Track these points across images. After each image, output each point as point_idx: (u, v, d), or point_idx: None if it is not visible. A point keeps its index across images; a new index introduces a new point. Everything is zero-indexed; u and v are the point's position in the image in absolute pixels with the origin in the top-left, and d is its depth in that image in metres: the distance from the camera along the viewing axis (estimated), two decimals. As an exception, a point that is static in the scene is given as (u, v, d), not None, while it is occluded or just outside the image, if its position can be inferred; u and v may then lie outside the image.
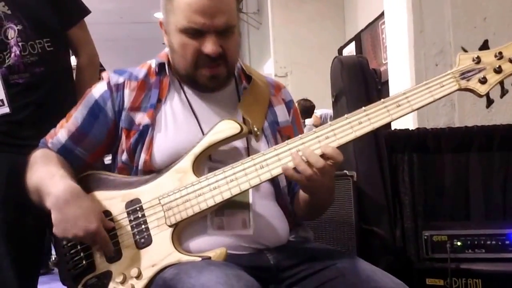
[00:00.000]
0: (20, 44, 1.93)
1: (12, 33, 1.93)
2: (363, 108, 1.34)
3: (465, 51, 1.38)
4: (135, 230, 1.38)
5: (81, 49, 2.12)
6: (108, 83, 1.49)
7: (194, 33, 1.38)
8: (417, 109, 1.34)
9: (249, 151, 1.45)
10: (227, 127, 1.39)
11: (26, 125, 1.93)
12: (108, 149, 1.52)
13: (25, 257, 1.95)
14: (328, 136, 1.34)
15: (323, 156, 1.30)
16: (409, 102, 1.34)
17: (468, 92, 1.37)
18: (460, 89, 1.35)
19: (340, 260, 1.38)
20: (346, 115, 1.35)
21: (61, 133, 1.52)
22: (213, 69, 1.42)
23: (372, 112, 1.34)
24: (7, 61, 1.92)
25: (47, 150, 1.53)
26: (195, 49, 1.39)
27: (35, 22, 1.95)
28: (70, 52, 2.16)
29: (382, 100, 1.35)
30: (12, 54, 1.92)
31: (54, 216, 1.34)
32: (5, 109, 1.93)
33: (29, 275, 2.00)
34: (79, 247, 1.41)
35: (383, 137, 2.30)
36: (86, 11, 2.12)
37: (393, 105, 1.34)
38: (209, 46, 1.38)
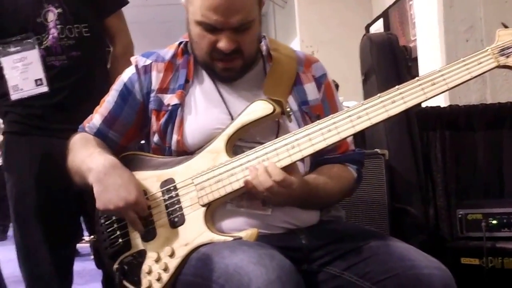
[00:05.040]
0: (58, 26, 1.95)
1: (51, 16, 1.94)
2: (397, 86, 1.31)
3: (506, 26, 1.32)
4: (169, 209, 1.40)
5: (117, 38, 2.13)
6: (136, 66, 1.50)
7: (209, 28, 1.37)
8: (453, 87, 1.30)
9: (279, 131, 1.43)
10: (260, 107, 1.38)
11: (61, 109, 1.95)
12: (140, 132, 1.54)
13: (60, 241, 1.99)
14: (360, 116, 1.31)
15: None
16: (445, 80, 1.29)
17: (506, 69, 1.32)
18: (498, 66, 1.30)
19: (373, 239, 1.37)
20: (379, 94, 1.31)
21: (95, 117, 1.55)
22: (228, 62, 1.42)
23: (406, 91, 1.30)
24: (44, 42, 1.94)
25: (85, 133, 1.56)
26: (210, 42, 1.39)
27: (75, 7, 1.97)
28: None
29: (417, 78, 1.31)
30: (50, 36, 1.94)
31: (95, 189, 1.36)
32: (44, 88, 1.95)
33: (64, 259, 2.04)
34: (115, 226, 1.44)
35: (414, 114, 2.26)
36: (124, 2, 2.13)
37: (428, 83, 1.29)
38: (223, 43, 1.37)
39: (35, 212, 1.94)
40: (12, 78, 1.95)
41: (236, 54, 1.40)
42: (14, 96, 1.96)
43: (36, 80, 1.94)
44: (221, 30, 1.36)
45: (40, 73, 1.94)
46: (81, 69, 1.98)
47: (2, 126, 2.39)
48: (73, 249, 2.23)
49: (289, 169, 1.34)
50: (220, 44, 1.37)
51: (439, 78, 1.30)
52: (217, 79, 1.47)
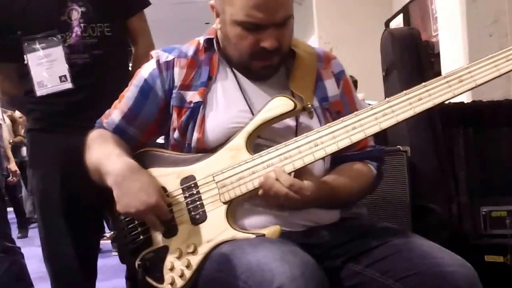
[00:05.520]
0: (81, 25, 1.96)
1: (75, 14, 1.96)
2: (423, 83, 1.29)
3: None
4: (190, 206, 1.40)
5: (139, 39, 2.14)
6: (157, 62, 1.49)
7: (252, 27, 1.36)
8: (481, 84, 1.27)
9: (298, 128, 1.43)
10: (280, 104, 1.37)
11: (83, 107, 1.95)
12: (160, 128, 1.53)
13: (84, 237, 2.00)
14: (386, 113, 1.29)
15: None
16: (472, 77, 1.26)
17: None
18: None
19: (395, 236, 1.36)
20: (404, 91, 1.29)
21: (114, 113, 1.54)
22: (267, 60, 1.41)
23: (433, 88, 1.28)
24: (68, 40, 1.96)
25: (103, 130, 1.55)
26: (251, 42, 1.37)
27: (98, 7, 1.98)
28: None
29: (444, 75, 1.29)
30: (73, 34, 1.96)
31: (115, 193, 1.37)
32: (68, 85, 1.96)
33: (88, 254, 2.05)
34: (136, 222, 1.44)
35: (437, 111, 2.23)
36: (147, 3, 2.14)
37: (455, 80, 1.27)
38: (268, 41, 1.36)
39: (60, 208, 1.96)
40: (37, 74, 1.97)
41: (276, 51, 1.39)
42: (39, 92, 1.98)
43: (60, 77, 1.96)
44: (265, 28, 1.35)
45: (64, 70, 1.96)
46: (103, 67, 1.99)
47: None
48: (97, 245, 2.24)
49: (301, 173, 1.34)
50: (265, 44, 1.36)
51: (467, 75, 1.27)
52: (250, 77, 1.46)
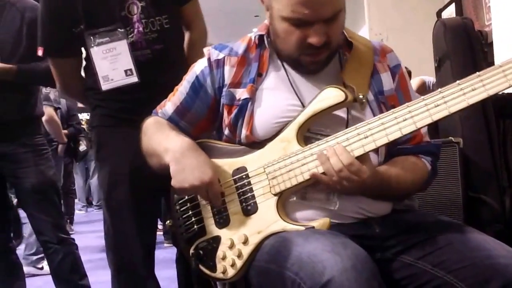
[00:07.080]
0: (143, 21, 1.96)
1: (135, 9, 1.96)
2: (477, 73, 1.24)
3: None
4: (242, 197, 1.42)
5: (194, 24, 2.14)
6: (209, 59, 1.51)
7: (299, 23, 1.35)
8: None
9: (349, 120, 1.41)
10: (332, 95, 1.36)
11: (149, 102, 1.87)
12: (210, 124, 1.56)
13: (147, 228, 2.05)
14: (437, 104, 1.26)
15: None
16: None
17: None
18: None
19: (447, 228, 1.34)
20: (458, 81, 1.25)
21: (168, 105, 1.58)
22: (316, 56, 1.40)
23: (487, 78, 1.23)
24: (130, 37, 1.96)
25: (159, 117, 1.60)
26: (299, 38, 1.37)
27: (155, 0, 1.98)
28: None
29: (499, 63, 1.24)
30: (135, 31, 1.96)
31: (172, 168, 1.40)
32: (134, 78, 1.96)
33: (150, 246, 2.08)
34: (190, 212, 1.48)
35: (490, 101, 2.18)
36: None
37: (511, 69, 1.22)
38: (314, 37, 1.35)
39: (127, 201, 1.98)
40: (102, 68, 1.96)
41: (324, 47, 1.38)
42: (105, 86, 1.97)
43: (126, 71, 1.95)
44: (312, 24, 1.34)
45: (129, 64, 1.95)
46: (165, 62, 1.99)
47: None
48: (155, 237, 2.28)
49: (359, 159, 1.32)
50: (311, 40, 1.35)
51: None
52: (300, 72, 1.46)
